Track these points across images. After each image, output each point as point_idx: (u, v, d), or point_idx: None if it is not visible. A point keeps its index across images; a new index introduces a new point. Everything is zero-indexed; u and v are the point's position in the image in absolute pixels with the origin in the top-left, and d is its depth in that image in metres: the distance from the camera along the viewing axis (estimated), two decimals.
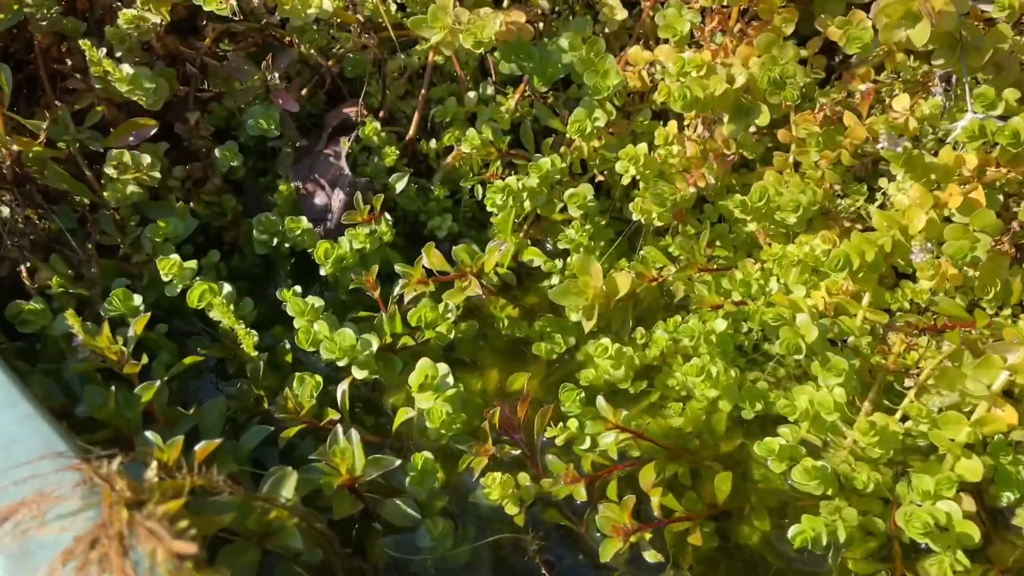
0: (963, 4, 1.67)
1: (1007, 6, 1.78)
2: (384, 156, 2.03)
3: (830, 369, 1.58)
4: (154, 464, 1.17)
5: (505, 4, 2.15)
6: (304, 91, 2.10)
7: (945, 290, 1.65)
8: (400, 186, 2.02)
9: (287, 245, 1.95)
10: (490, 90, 2.10)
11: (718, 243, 1.91)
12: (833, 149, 1.78)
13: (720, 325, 1.74)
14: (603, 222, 2.00)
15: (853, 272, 1.62)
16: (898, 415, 1.60)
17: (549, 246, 2.06)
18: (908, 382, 1.60)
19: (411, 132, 2.11)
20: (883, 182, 1.82)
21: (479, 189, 2.07)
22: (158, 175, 1.88)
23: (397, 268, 1.81)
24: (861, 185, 1.83)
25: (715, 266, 1.86)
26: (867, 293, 1.68)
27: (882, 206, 1.81)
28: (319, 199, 2.01)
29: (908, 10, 1.66)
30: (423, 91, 2.10)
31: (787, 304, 1.66)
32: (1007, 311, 1.66)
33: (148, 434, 1.35)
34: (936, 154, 1.72)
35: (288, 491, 1.33)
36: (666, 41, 1.99)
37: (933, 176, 1.68)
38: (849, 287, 1.70)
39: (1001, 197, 1.65)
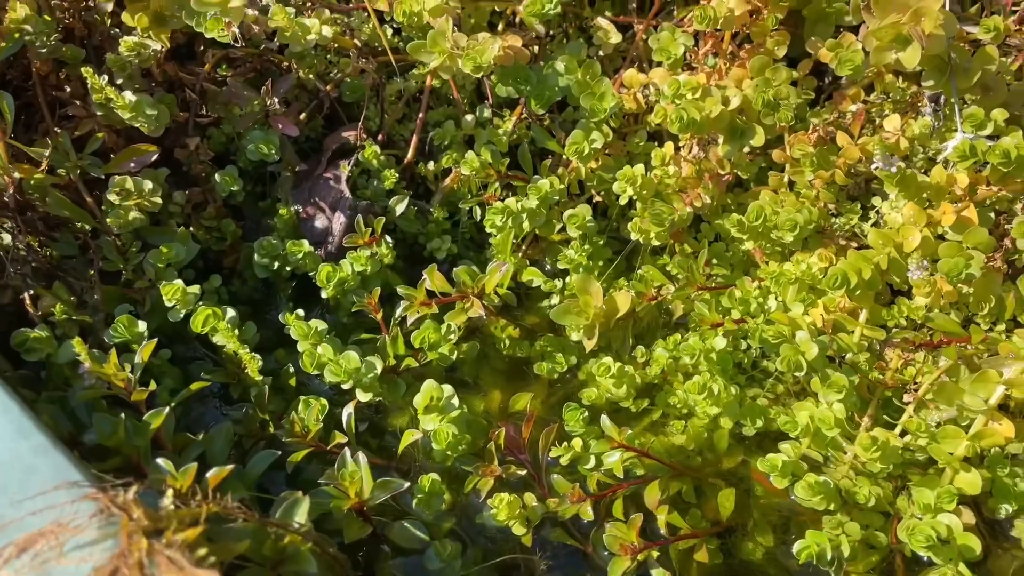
0: (952, 27, 1.71)
1: (993, 28, 1.83)
2: (384, 179, 2.05)
3: (831, 385, 1.60)
4: (170, 492, 1.17)
5: (500, 28, 2.18)
6: (303, 115, 2.12)
7: (940, 306, 1.68)
8: (400, 208, 2.04)
9: (288, 269, 1.96)
10: (487, 113, 2.13)
11: (715, 262, 1.94)
12: (827, 169, 1.82)
13: (720, 343, 1.76)
14: (601, 242, 2.02)
15: (850, 290, 1.65)
16: (897, 430, 1.63)
17: (547, 266, 2.08)
18: (907, 397, 1.62)
19: (409, 155, 2.13)
20: (876, 201, 1.86)
21: (477, 211, 2.09)
22: (159, 201, 1.89)
23: (400, 290, 1.82)
24: (855, 204, 1.87)
25: (713, 284, 1.88)
26: (864, 310, 1.71)
27: (875, 224, 1.85)
28: (319, 222, 2.02)
29: (899, 33, 1.71)
30: (421, 115, 2.12)
31: (787, 322, 1.69)
32: (1001, 326, 1.69)
33: (160, 461, 1.36)
34: (927, 173, 1.76)
35: (302, 516, 1.33)
36: (660, 64, 2.02)
37: (926, 195, 1.72)
38: (846, 304, 1.73)
39: (992, 215, 1.69)
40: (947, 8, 1.75)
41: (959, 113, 1.75)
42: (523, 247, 2.08)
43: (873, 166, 1.68)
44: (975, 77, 1.76)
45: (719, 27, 1.91)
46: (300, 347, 1.76)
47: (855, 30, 1.89)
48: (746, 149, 1.90)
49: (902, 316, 1.71)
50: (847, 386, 1.60)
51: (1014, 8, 1.95)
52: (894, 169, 1.66)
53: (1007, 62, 1.88)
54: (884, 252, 1.66)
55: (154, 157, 1.92)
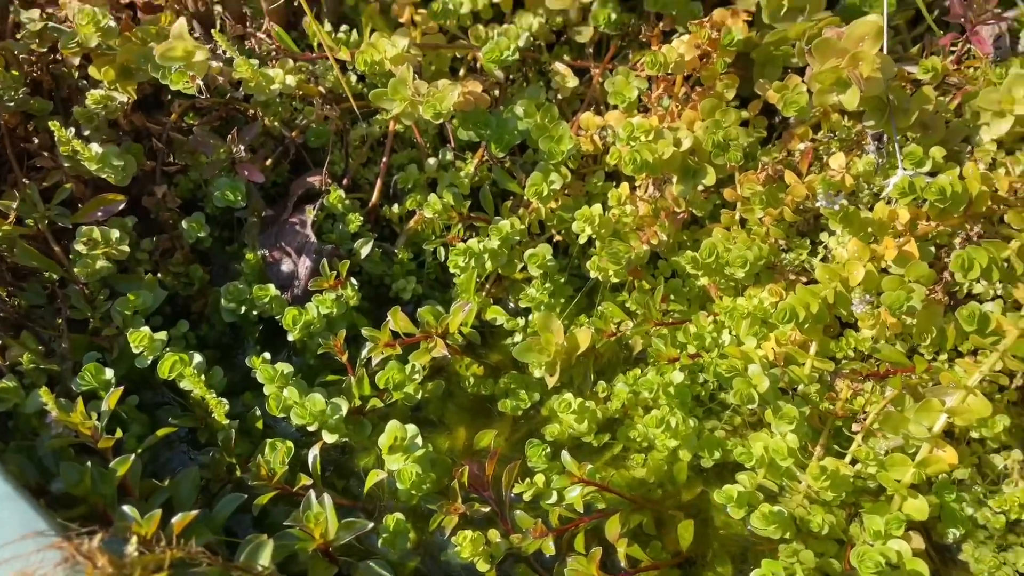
0: (889, 69, 1.80)
1: (931, 68, 1.92)
2: (348, 223, 2.10)
3: (782, 417, 1.66)
4: (134, 539, 1.20)
5: (462, 73, 2.25)
6: (269, 161, 2.17)
7: (886, 337, 1.74)
8: (365, 251, 2.08)
9: (255, 313, 1.99)
10: (449, 156, 2.18)
11: (672, 297, 1.99)
12: (776, 206, 1.88)
13: (677, 377, 1.81)
14: (562, 280, 2.07)
15: (799, 323, 1.71)
16: (847, 458, 1.68)
17: (511, 304, 2.13)
18: (855, 427, 1.68)
19: (374, 198, 2.18)
20: (824, 236, 1.93)
21: (441, 251, 2.14)
22: (127, 249, 1.92)
23: (364, 332, 1.86)
24: (804, 239, 1.93)
25: (670, 320, 1.94)
26: (814, 343, 1.77)
27: (824, 259, 1.91)
28: (286, 266, 2.06)
29: (839, 77, 1.78)
30: (384, 159, 2.18)
31: (739, 355, 1.75)
32: (944, 356, 1.76)
33: (126, 508, 1.38)
34: (872, 208, 1.83)
35: (265, 559, 1.36)
36: (616, 107, 2.09)
37: (870, 230, 1.78)
38: (797, 337, 1.79)
39: (933, 248, 1.75)
40: (885, 51, 1.83)
41: (899, 151, 1.83)
42: (487, 286, 2.13)
43: (818, 204, 1.74)
44: (913, 116, 1.84)
45: (670, 72, 1.98)
46: (266, 390, 1.79)
47: (802, 71, 1.97)
48: (700, 188, 1.96)
49: (850, 348, 1.77)
50: (798, 417, 1.65)
51: (952, 48, 2.04)
52: (837, 207, 1.72)
53: (945, 101, 1.96)
54: (831, 287, 1.73)
55: (121, 206, 1.96)
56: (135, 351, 1.81)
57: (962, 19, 1.98)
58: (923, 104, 1.85)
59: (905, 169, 1.80)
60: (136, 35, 1.95)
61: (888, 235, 1.76)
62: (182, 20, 1.81)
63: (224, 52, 1.94)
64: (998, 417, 1.60)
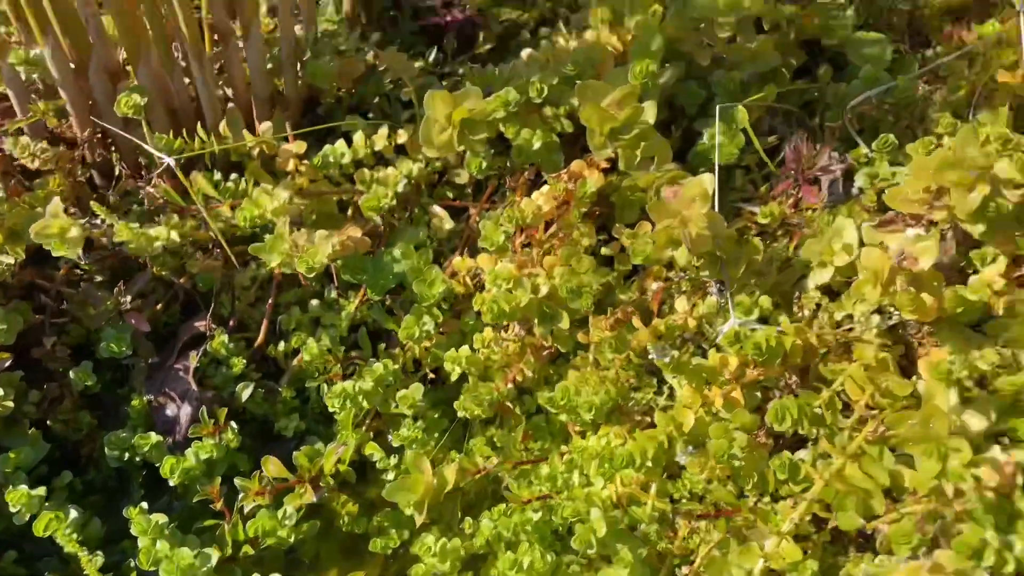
0: (718, 227, 1.96)
1: (769, 214, 2.09)
2: (232, 366, 2.21)
3: (618, 561, 1.77)
4: None
5: (349, 212, 2.38)
6: (159, 306, 2.28)
7: (717, 479, 1.87)
8: (246, 394, 2.18)
9: (138, 459, 2.09)
10: (334, 295, 2.31)
11: (535, 434, 2.11)
12: (623, 351, 2.02)
13: (534, 517, 1.93)
14: (436, 415, 2.18)
15: (637, 468, 1.83)
16: None
17: (391, 437, 2.23)
18: (685, 569, 1.80)
19: (260, 338, 2.29)
20: (670, 376, 2.06)
21: (324, 387, 2.25)
22: (11, 404, 2.01)
23: (237, 482, 1.96)
24: (653, 378, 2.07)
25: (532, 457, 2.06)
26: (653, 484, 1.89)
27: (671, 395, 2.04)
28: (170, 411, 2.16)
29: (670, 236, 1.94)
30: (271, 300, 2.30)
31: (583, 499, 1.87)
32: (767, 498, 1.88)
33: None
34: (714, 351, 1.97)
35: None
36: (486, 249, 2.24)
37: (704, 375, 1.92)
38: (639, 478, 1.91)
39: (759, 394, 1.90)
40: (716, 209, 2.00)
41: (731, 300, 1.98)
42: (367, 421, 2.23)
43: (650, 356, 1.88)
44: (743, 267, 2.00)
45: (530, 223, 2.13)
46: (140, 543, 1.87)
47: None
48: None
49: (686, 488, 1.90)
50: (633, 561, 1.77)
51: (792, 192, 2.22)
52: (668, 359, 1.87)
53: (781, 246, 2.12)
54: (666, 432, 1.86)
55: (8, 363, 2.05)
56: (12, 509, 1.89)
57: (793, 171, 2.17)
58: (752, 255, 2.01)
59: (736, 318, 1.95)
60: (24, 200, 2.08)
61: (719, 382, 1.90)
62: (57, 199, 1.94)
63: (103, 221, 2.06)
64: (808, 562, 1.72)
